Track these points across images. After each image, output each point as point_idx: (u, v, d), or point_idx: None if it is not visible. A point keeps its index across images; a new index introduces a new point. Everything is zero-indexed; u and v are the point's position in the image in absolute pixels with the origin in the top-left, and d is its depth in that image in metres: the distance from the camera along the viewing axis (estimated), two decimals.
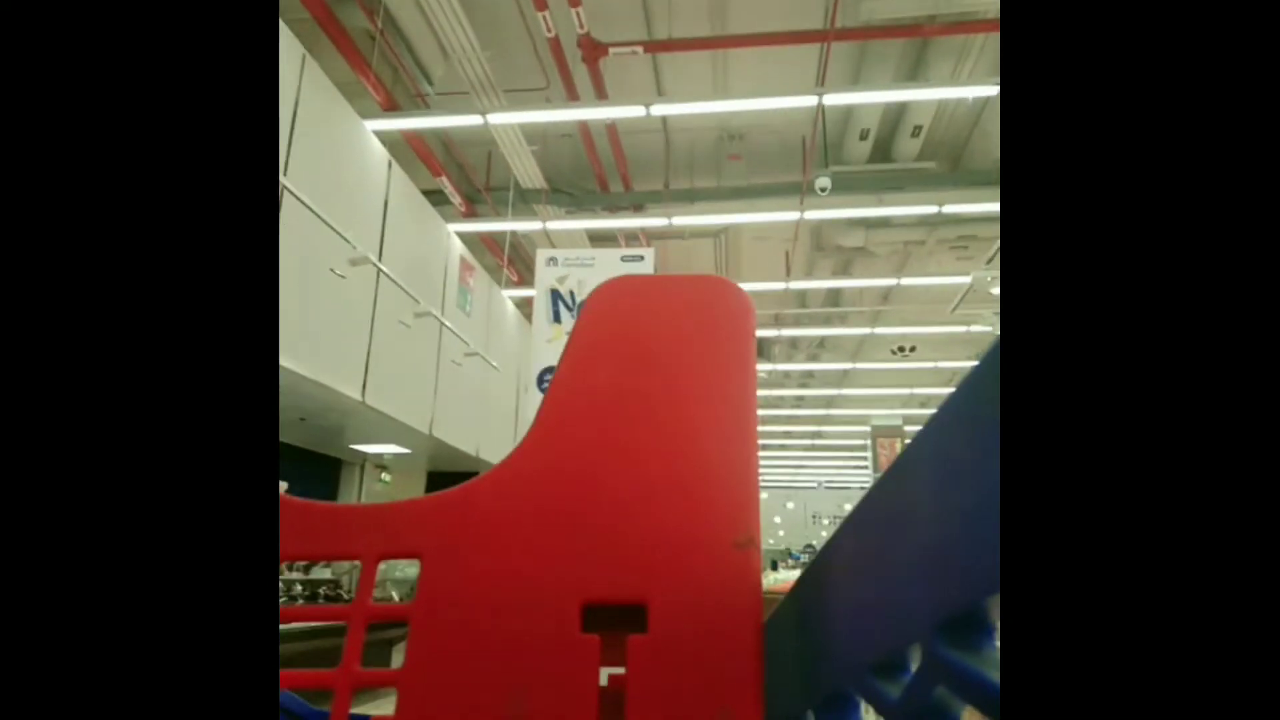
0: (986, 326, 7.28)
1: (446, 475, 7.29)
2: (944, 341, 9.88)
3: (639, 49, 4.55)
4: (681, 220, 5.80)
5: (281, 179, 3.24)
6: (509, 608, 0.51)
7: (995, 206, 5.48)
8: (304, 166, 3.46)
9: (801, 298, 9.02)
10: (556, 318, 4.17)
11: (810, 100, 4.27)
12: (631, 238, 6.64)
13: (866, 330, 9.17)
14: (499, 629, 0.51)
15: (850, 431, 14.54)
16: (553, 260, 4.24)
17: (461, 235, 5.55)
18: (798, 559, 13.00)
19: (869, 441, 13.15)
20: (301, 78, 3.49)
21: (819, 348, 10.93)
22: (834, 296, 8.94)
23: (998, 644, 0.31)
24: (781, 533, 17.46)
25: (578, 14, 4.31)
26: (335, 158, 3.83)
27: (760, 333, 8.52)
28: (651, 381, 0.55)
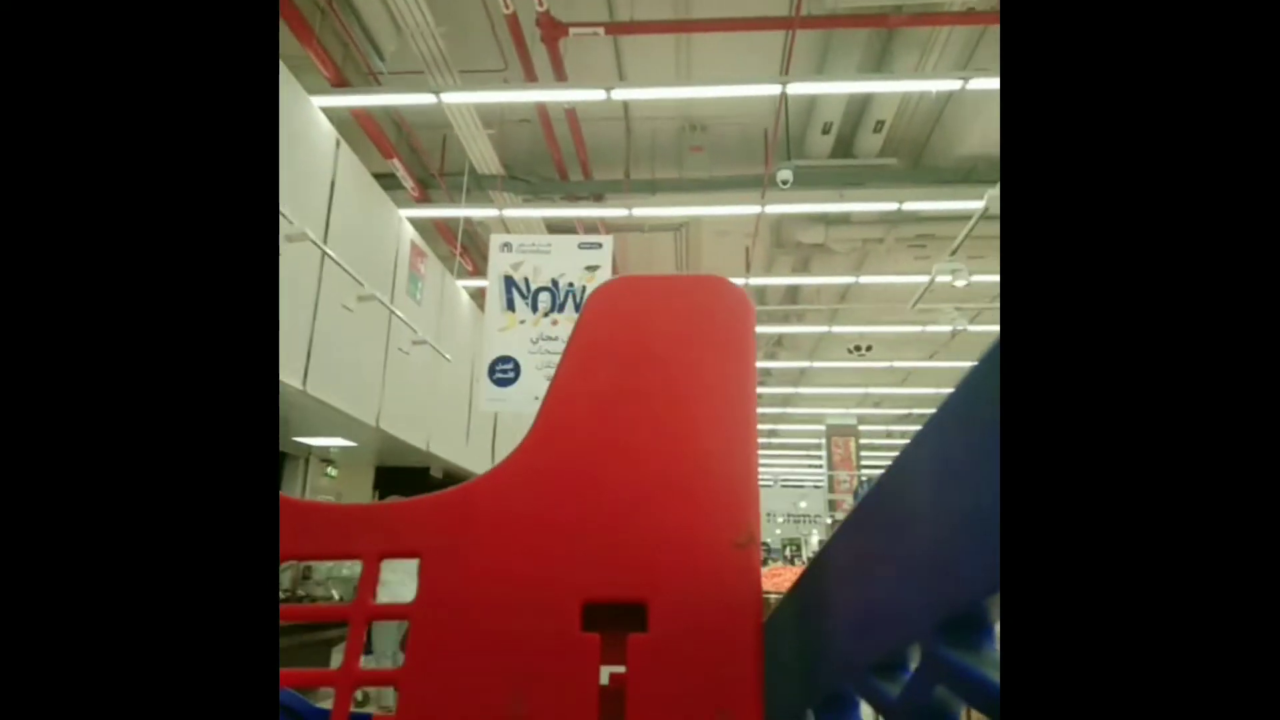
0: (944, 326, 7.33)
1: (396, 470, 7.09)
2: (900, 341, 9.97)
3: (600, 30, 4.42)
4: (642, 212, 5.69)
5: None
6: (509, 607, 0.51)
7: (954, 205, 5.50)
8: None
9: (760, 295, 8.99)
10: (510, 306, 4.01)
11: (774, 89, 4.19)
12: (590, 228, 6.50)
13: (824, 329, 9.18)
14: (499, 628, 0.51)
15: (805, 430, 14.63)
16: (507, 246, 4.08)
17: (415, 222, 5.34)
18: None
19: (824, 440, 13.24)
20: None
21: (776, 345, 10.94)
22: (792, 294, 8.93)
23: (997, 644, 0.30)
24: None
25: None
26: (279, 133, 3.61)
27: None
28: (651, 381, 0.56)
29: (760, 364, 11.13)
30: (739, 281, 7.21)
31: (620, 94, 4.28)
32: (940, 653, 0.32)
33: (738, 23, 4.56)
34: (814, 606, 0.49)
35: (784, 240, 7.41)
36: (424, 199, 6.07)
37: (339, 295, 4.12)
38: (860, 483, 11.33)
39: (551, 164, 5.86)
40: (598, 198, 6.10)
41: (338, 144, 4.34)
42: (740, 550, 0.51)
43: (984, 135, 5.58)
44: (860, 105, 5.43)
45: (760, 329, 9.58)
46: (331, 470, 6.66)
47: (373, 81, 5.01)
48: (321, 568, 4.13)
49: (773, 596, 0.61)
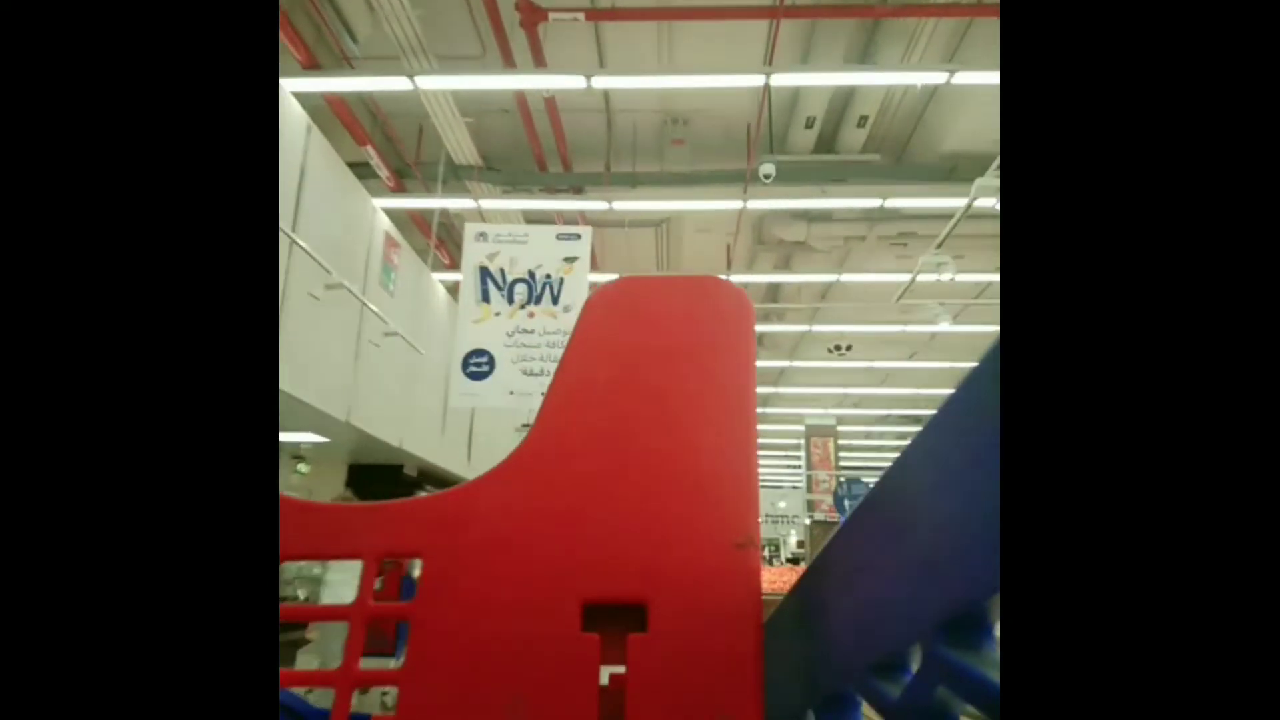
0: (927, 324, 7.30)
1: (369, 468, 6.95)
2: (880, 341, 9.96)
3: (580, 15, 4.31)
4: (622, 205, 5.58)
5: None
6: (509, 607, 0.51)
7: (937, 202, 5.45)
8: None
9: None
10: (485, 297, 3.89)
11: (757, 80, 4.11)
12: (570, 221, 6.39)
13: (804, 328, 9.14)
14: (500, 628, 0.51)
15: (784, 430, 14.63)
16: (482, 235, 3.96)
17: (390, 214, 5.20)
18: None
19: (803, 441, 13.24)
20: None
21: (757, 345, 10.88)
22: (773, 293, 8.88)
23: (997, 644, 0.31)
24: None
25: None
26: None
27: None
28: (651, 382, 0.55)
29: None
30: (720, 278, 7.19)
31: (601, 82, 4.17)
32: (941, 653, 0.32)
33: (721, 11, 4.48)
34: (814, 607, 0.49)
35: (765, 237, 7.35)
36: (399, 189, 5.93)
37: (307, 285, 3.98)
38: (839, 483, 11.32)
39: (531, 155, 5.74)
40: (577, 190, 5.99)
41: (309, 130, 4.20)
42: (740, 551, 0.51)
43: (967, 132, 5.55)
44: (844, 99, 5.37)
45: None
46: (302, 467, 6.50)
47: (346, 66, 4.86)
48: (291, 567, 4.00)
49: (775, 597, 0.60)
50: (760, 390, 12.64)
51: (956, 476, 0.32)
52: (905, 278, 6.31)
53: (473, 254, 3.93)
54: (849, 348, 10.33)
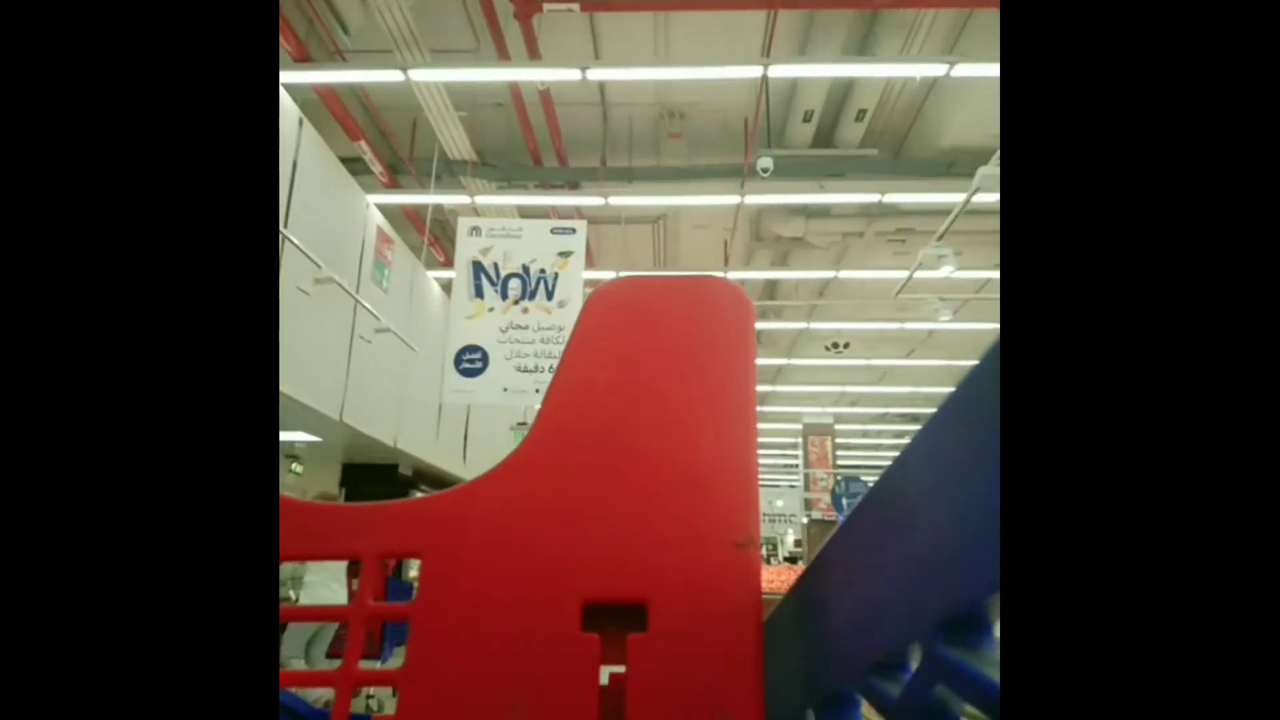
0: (927, 319, 7.25)
1: (363, 467, 6.88)
2: (878, 339, 9.92)
3: (575, 6, 4.24)
4: (619, 200, 5.52)
5: None
6: (509, 607, 0.51)
7: (935, 198, 5.40)
8: None
9: None
10: (479, 293, 3.83)
11: (755, 71, 4.05)
12: (566, 217, 6.33)
13: (802, 325, 9.09)
14: (499, 628, 0.51)
15: (782, 429, 14.58)
16: (475, 230, 3.90)
17: (385, 211, 5.14)
18: None
19: (800, 440, 13.21)
20: None
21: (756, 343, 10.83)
22: (770, 290, 8.83)
23: (997, 643, 0.31)
24: None
25: None
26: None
27: None
28: (651, 382, 0.55)
29: None
30: (717, 275, 7.14)
31: (596, 74, 4.11)
32: (940, 652, 0.31)
33: (718, 1, 4.42)
34: (814, 606, 0.49)
35: (763, 234, 7.29)
36: (393, 185, 5.86)
37: (298, 280, 3.91)
38: (837, 482, 11.27)
39: (526, 150, 5.68)
40: (573, 185, 5.93)
41: (300, 123, 4.14)
42: (740, 550, 0.51)
43: (966, 127, 5.49)
44: (842, 92, 5.32)
45: None
46: (297, 466, 6.43)
47: (338, 58, 4.79)
48: (284, 569, 3.95)
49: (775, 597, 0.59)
50: (758, 389, 12.57)
51: (956, 475, 0.32)
52: (903, 274, 6.27)
53: (466, 248, 3.87)
54: (846, 345, 10.28)
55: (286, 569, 4.00)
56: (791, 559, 13.65)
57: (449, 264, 6.60)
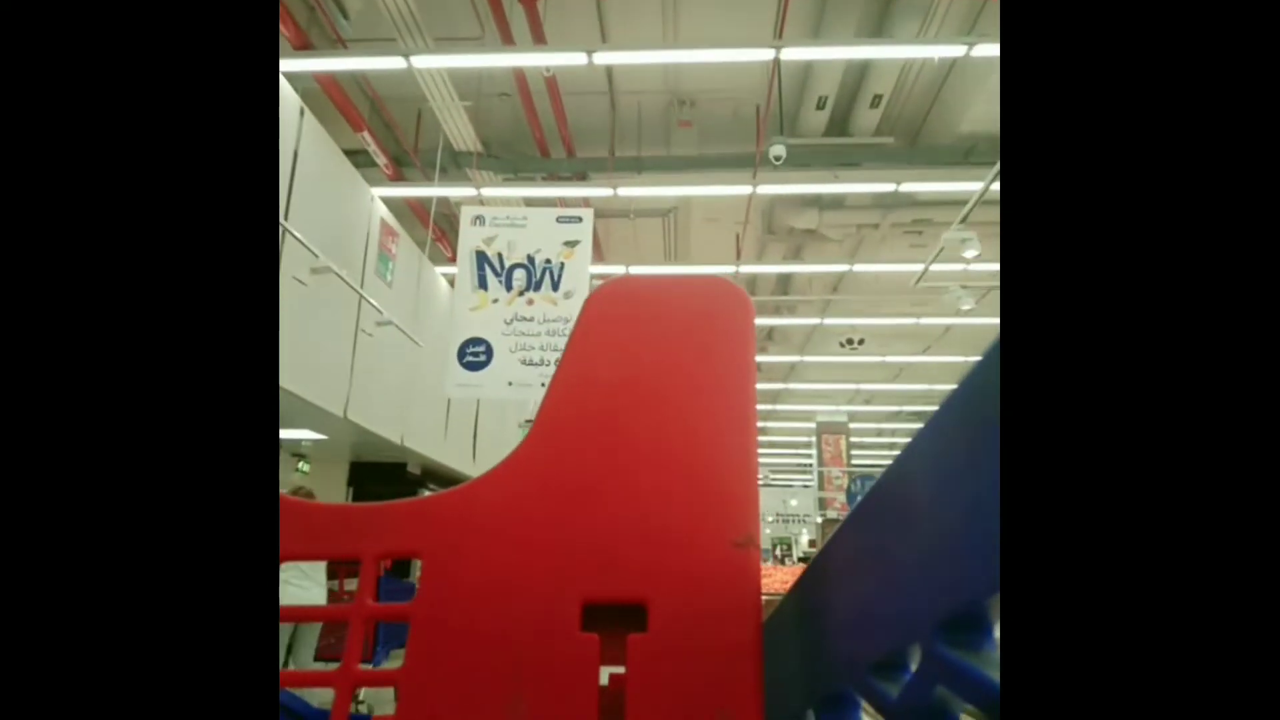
0: (948, 310, 7.06)
1: (371, 466, 6.81)
2: (893, 335, 9.75)
3: None
4: (627, 191, 5.39)
5: None
6: (509, 607, 0.51)
7: (953, 187, 5.24)
8: None
9: (751, 285, 8.73)
10: (482, 284, 3.71)
11: (767, 54, 3.91)
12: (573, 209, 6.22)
13: (816, 320, 8.93)
14: (499, 628, 0.51)
15: (795, 428, 14.42)
16: (479, 219, 3.78)
17: (389, 204, 5.04)
18: None
19: (814, 439, 13.08)
20: None
21: (767, 339, 10.71)
22: (784, 285, 8.68)
23: (997, 644, 0.31)
24: None
25: None
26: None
27: None
28: (651, 382, 0.55)
29: None
30: (729, 270, 6.98)
31: (603, 58, 3.98)
32: (940, 652, 0.31)
33: None
34: (814, 607, 0.49)
35: (775, 226, 7.14)
36: (398, 178, 5.76)
37: (295, 271, 3.81)
38: (853, 480, 11.13)
39: (532, 141, 5.56)
40: (581, 176, 5.80)
41: (301, 112, 4.05)
42: (739, 550, 0.51)
43: (985, 111, 5.32)
44: (857, 77, 5.16)
45: None
46: (304, 466, 6.36)
47: (339, 47, 4.69)
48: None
49: (775, 597, 0.57)
50: (770, 387, 12.46)
51: (956, 475, 0.32)
52: (919, 267, 6.11)
53: (469, 238, 3.75)
54: (861, 342, 10.12)
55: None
56: (805, 559, 13.49)
57: (455, 259, 6.51)
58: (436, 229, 6.08)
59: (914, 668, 0.35)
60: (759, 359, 10.92)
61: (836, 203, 6.54)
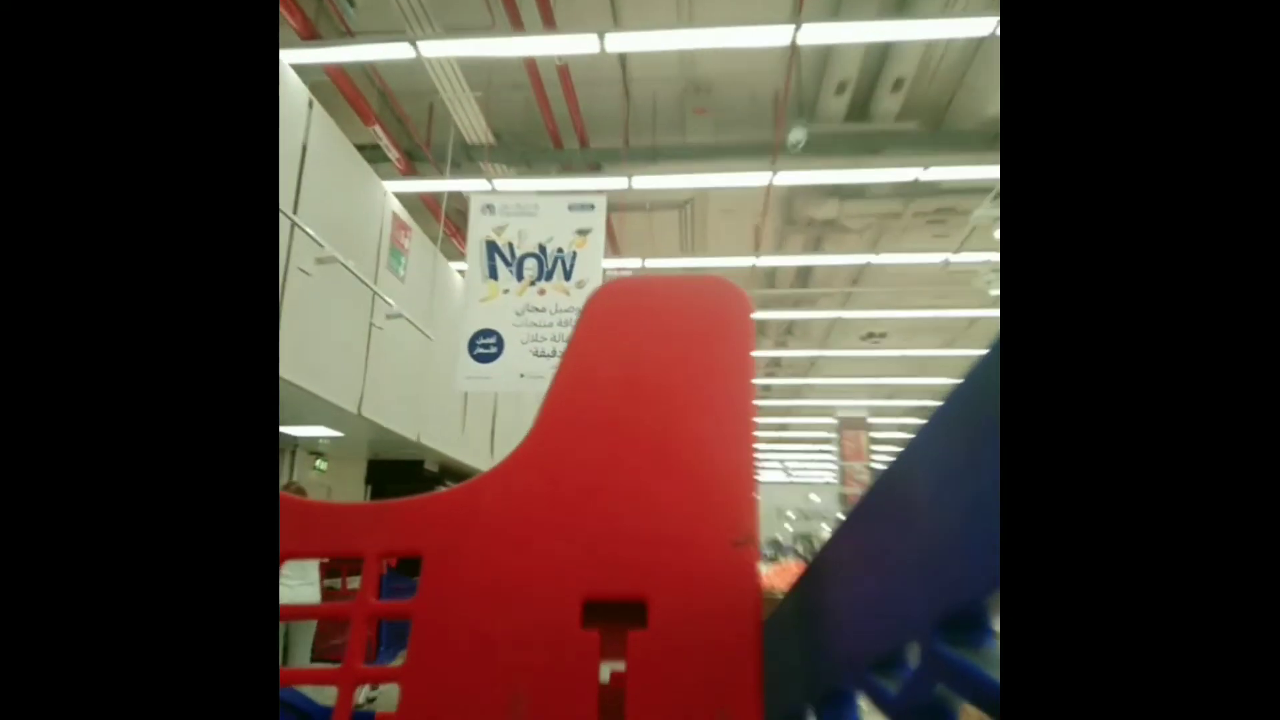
0: (964, 310, 6.90)
1: (388, 464, 6.77)
2: (915, 328, 9.57)
3: None
4: (643, 182, 5.28)
5: None
6: (510, 604, 0.52)
7: (979, 172, 5.08)
8: None
9: (770, 278, 8.59)
10: (493, 274, 3.62)
11: (785, 34, 3.78)
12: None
13: (836, 314, 8.77)
14: (500, 625, 0.51)
15: (816, 424, 14.26)
16: (489, 208, 3.69)
17: (403, 199, 4.98)
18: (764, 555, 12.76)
19: (835, 434, 12.94)
20: None
21: (787, 334, 10.57)
22: (803, 278, 8.54)
23: (997, 641, 0.31)
24: None
25: None
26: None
27: None
28: (652, 380, 0.56)
29: (770, 353, 10.74)
30: (747, 262, 6.83)
31: (615, 42, 3.89)
32: (940, 650, 0.32)
33: None
34: (814, 604, 0.50)
35: (795, 217, 7.00)
36: (410, 172, 5.70)
37: (314, 269, 3.75)
38: (874, 475, 11.00)
39: (545, 132, 5.48)
40: (595, 167, 5.71)
41: (310, 105, 4.00)
42: (738, 549, 0.51)
43: None
44: (878, 60, 5.02)
45: (770, 315, 9.19)
46: (321, 463, 6.34)
47: (347, 37, 4.63)
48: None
49: (778, 594, 0.55)
50: (790, 382, 12.32)
51: (956, 473, 0.31)
52: (942, 258, 5.96)
53: (479, 227, 3.66)
54: (883, 335, 9.95)
55: None
56: None
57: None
58: (450, 225, 6.02)
59: (914, 665, 0.35)
60: (779, 354, 10.82)
61: (857, 192, 6.39)
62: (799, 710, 0.48)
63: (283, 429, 4.93)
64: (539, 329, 3.51)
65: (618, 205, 6.49)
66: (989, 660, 0.29)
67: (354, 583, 3.56)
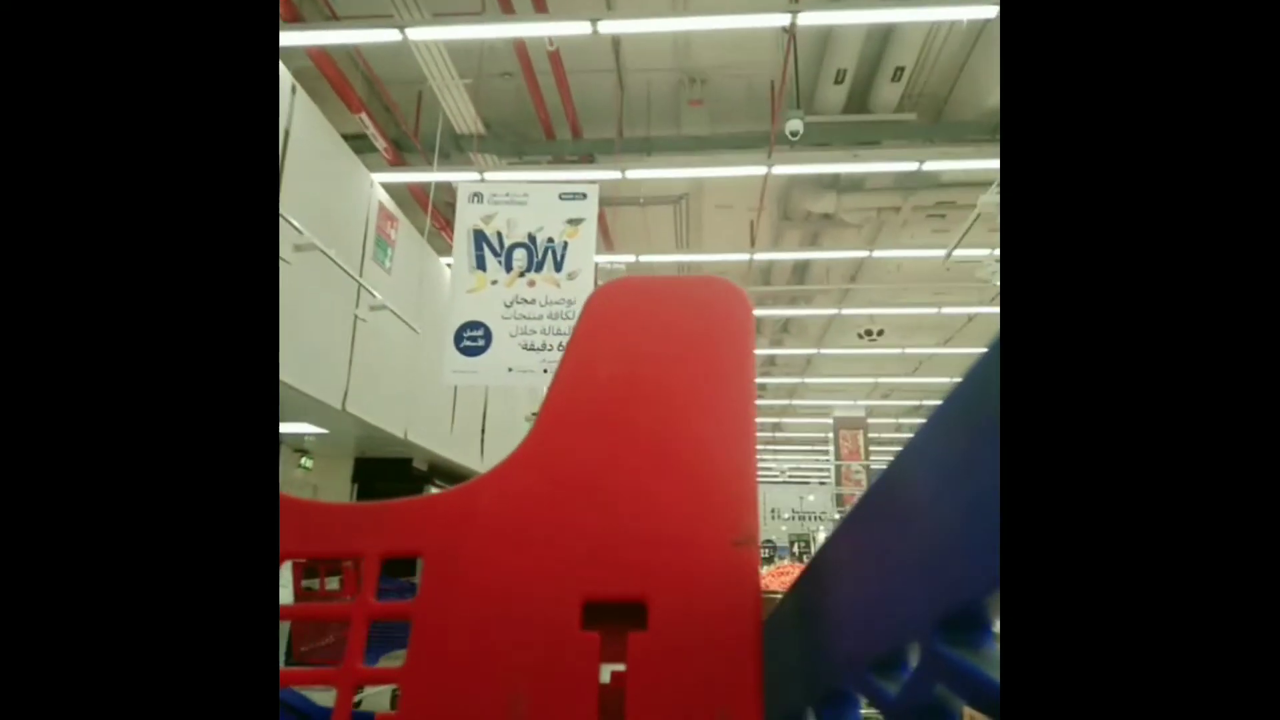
0: (963, 307, 6.80)
1: (376, 462, 6.65)
2: (913, 325, 9.48)
3: None
4: (637, 174, 5.16)
5: None
6: (510, 605, 0.52)
7: (980, 164, 4.98)
8: None
9: (766, 275, 8.48)
10: (480, 264, 3.49)
11: (782, 19, 3.67)
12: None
13: (834, 310, 8.67)
14: (500, 626, 0.51)
15: (812, 424, 14.17)
16: (477, 196, 3.56)
17: (391, 191, 4.85)
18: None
19: (831, 434, 12.86)
20: None
21: (783, 332, 10.47)
22: (800, 274, 8.43)
23: (997, 642, 0.31)
24: None
25: None
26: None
27: None
28: (651, 381, 0.56)
29: (766, 351, 10.63)
30: (743, 258, 6.71)
31: (608, 26, 3.77)
32: (940, 650, 0.32)
33: None
34: (814, 605, 0.51)
35: (791, 211, 6.89)
36: (398, 162, 5.57)
37: (299, 260, 3.62)
38: (872, 475, 10.90)
39: (537, 122, 5.35)
40: (588, 159, 5.59)
41: (294, 90, 3.87)
42: (739, 549, 0.51)
43: None
44: (877, 48, 4.91)
45: (766, 312, 9.08)
46: (306, 461, 6.21)
47: (333, 20, 4.50)
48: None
49: (777, 595, 0.56)
50: (786, 381, 12.22)
51: (956, 473, 0.31)
52: (942, 253, 5.85)
53: (467, 216, 3.53)
54: (880, 333, 9.85)
55: None
56: None
57: None
58: (439, 217, 5.89)
59: (913, 666, 0.34)
60: (775, 352, 10.72)
61: (855, 184, 6.28)
62: (799, 710, 0.49)
63: None
64: (528, 321, 3.38)
65: (612, 199, 6.36)
66: (989, 661, 0.29)
67: (332, 583, 3.45)
